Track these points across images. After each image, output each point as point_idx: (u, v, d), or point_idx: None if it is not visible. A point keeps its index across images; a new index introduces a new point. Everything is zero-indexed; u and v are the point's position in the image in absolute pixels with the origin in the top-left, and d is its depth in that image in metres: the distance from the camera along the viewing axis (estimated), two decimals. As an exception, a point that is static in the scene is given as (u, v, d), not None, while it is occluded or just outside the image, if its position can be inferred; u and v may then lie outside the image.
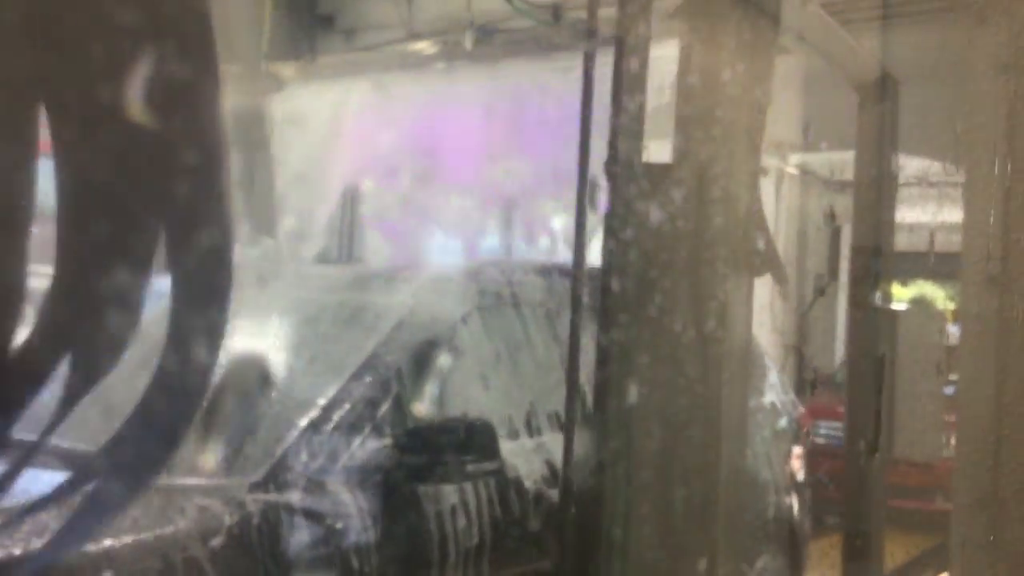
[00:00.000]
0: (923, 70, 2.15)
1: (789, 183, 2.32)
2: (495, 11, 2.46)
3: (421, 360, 1.53)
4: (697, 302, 1.26)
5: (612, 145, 1.22)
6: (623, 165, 1.22)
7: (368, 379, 1.46)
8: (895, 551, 2.38)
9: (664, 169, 1.27)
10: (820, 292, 1.96)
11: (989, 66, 1.30)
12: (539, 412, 1.64)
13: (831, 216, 1.61)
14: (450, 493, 1.44)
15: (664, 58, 1.31)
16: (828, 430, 2.65)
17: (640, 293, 1.23)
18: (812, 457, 1.97)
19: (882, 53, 2.04)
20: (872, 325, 1.86)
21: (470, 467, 1.44)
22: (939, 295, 2.33)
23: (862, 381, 1.85)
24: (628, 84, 1.24)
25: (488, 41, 2.00)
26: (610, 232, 1.23)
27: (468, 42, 1.95)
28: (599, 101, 1.27)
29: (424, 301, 1.60)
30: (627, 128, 1.22)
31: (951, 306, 2.39)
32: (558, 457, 1.42)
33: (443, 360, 1.54)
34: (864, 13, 2.13)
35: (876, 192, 1.94)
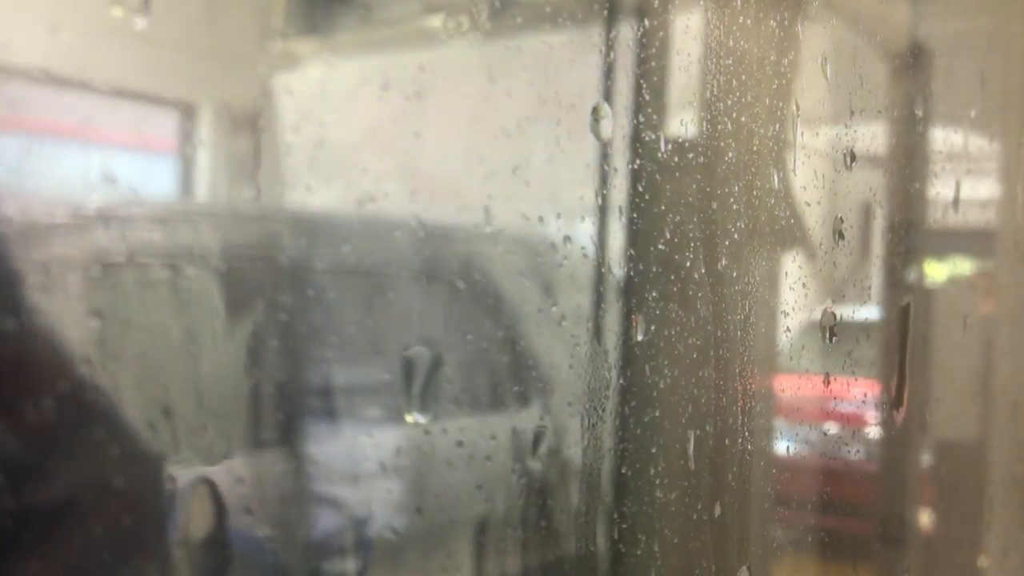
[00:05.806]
0: (956, 37, 2.08)
1: (818, 158, 2.26)
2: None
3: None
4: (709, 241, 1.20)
5: (634, 116, 1.17)
6: (645, 138, 1.17)
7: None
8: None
9: (686, 143, 1.22)
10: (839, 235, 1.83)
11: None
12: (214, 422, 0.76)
13: (851, 156, 1.54)
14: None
15: (688, 27, 1.26)
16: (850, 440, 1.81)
17: (653, 232, 1.16)
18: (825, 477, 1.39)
19: (914, 20, 1.97)
20: (904, 300, 1.80)
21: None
22: (974, 271, 2.28)
23: (891, 353, 1.80)
24: (651, 53, 1.19)
25: (507, 12, 1.95)
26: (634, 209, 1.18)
27: (484, 14, 1.90)
28: (621, 71, 1.22)
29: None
30: (649, 98, 1.17)
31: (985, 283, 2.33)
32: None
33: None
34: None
35: (909, 166, 1.88)
